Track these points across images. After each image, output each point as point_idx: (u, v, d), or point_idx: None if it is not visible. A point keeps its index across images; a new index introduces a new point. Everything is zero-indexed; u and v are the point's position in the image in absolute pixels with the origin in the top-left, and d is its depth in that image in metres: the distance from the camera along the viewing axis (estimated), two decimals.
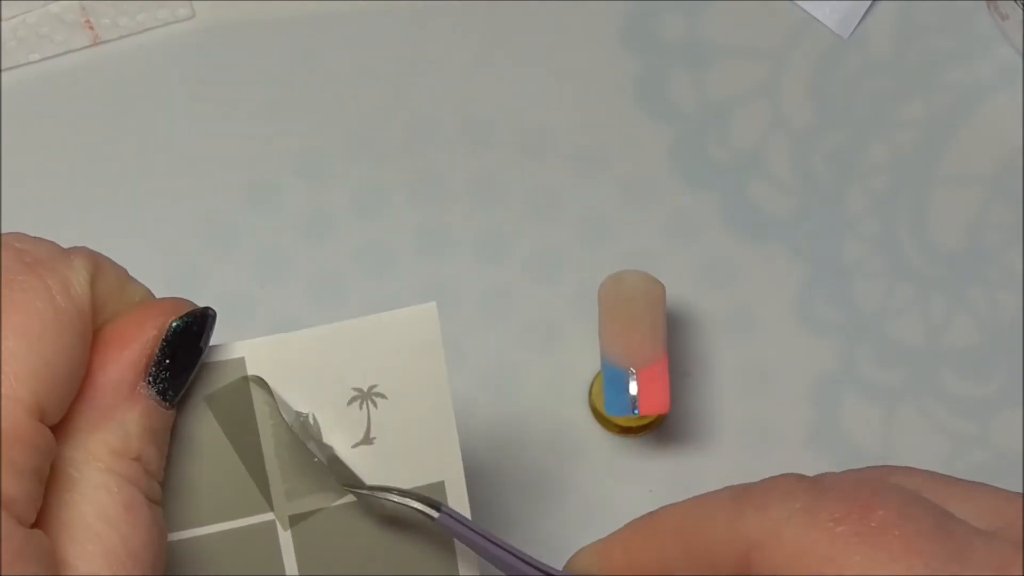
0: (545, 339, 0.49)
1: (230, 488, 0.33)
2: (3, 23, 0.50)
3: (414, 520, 0.34)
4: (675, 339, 0.49)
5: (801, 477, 0.31)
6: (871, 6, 0.51)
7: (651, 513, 0.33)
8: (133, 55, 0.50)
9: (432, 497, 0.33)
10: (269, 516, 0.33)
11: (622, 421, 0.47)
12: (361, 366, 0.33)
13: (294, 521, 0.33)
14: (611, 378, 0.45)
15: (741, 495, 0.31)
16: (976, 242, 0.50)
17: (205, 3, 0.51)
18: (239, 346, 0.32)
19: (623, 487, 0.48)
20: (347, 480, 0.33)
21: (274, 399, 0.33)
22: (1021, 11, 0.49)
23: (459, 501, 0.34)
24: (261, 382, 0.32)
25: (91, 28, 0.50)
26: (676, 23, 0.51)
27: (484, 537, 0.33)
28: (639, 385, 0.44)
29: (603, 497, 0.48)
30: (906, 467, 0.32)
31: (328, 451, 0.33)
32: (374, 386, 0.33)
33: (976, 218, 0.50)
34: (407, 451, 0.34)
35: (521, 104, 0.50)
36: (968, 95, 0.51)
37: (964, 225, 0.50)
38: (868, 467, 0.33)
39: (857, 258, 0.50)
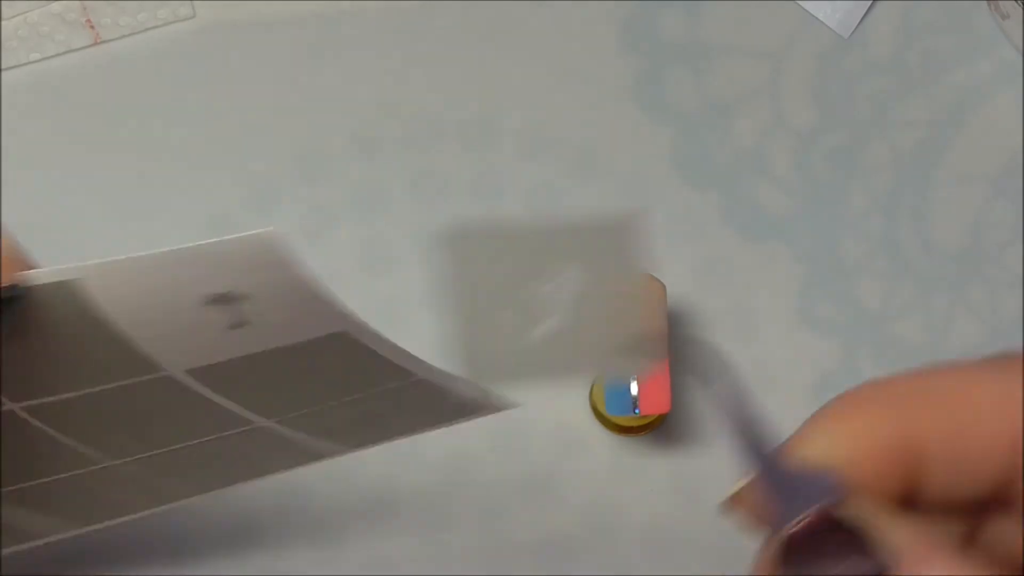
0: None
1: (106, 364, 0.32)
2: (4, 22, 0.50)
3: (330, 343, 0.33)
4: (675, 339, 0.49)
5: None
6: (871, 6, 0.51)
7: (884, 379, 0.26)
8: (134, 55, 0.51)
9: None
10: (163, 372, 0.32)
11: (622, 421, 0.47)
12: (213, 278, 0.32)
13: (195, 372, 0.32)
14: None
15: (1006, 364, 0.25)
16: (977, 241, 0.50)
17: (205, 3, 0.51)
18: (74, 269, 0.31)
19: (623, 487, 0.48)
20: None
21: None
22: (1021, 11, 0.49)
23: (373, 340, 0.32)
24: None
25: (92, 27, 0.50)
26: (676, 23, 0.51)
27: None
28: (639, 385, 0.44)
29: (603, 497, 0.48)
30: None
31: None
32: (232, 290, 0.32)
33: (977, 217, 0.50)
34: (289, 319, 0.32)
35: (521, 104, 0.50)
36: (968, 95, 0.51)
37: (965, 224, 0.50)
38: None
39: (858, 258, 0.50)
